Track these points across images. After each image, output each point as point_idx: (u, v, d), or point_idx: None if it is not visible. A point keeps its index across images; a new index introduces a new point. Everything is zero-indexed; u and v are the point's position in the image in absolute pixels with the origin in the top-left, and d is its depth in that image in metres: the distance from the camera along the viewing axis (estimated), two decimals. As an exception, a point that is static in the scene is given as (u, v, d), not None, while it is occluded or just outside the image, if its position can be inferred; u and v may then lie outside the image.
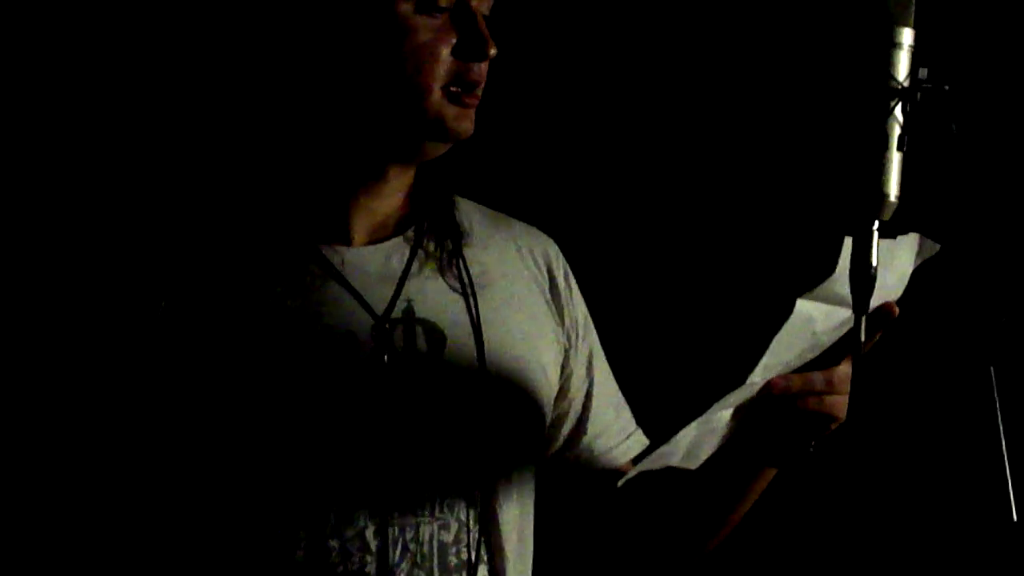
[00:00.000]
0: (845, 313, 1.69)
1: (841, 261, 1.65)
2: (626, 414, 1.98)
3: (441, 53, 1.71)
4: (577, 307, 1.93)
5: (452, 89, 1.73)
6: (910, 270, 1.75)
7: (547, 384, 1.86)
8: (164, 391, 1.71)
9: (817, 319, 1.70)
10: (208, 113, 2.31)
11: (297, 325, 1.73)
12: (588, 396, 1.93)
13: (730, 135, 2.76)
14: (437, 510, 1.75)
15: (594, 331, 1.96)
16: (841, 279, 1.65)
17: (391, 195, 1.81)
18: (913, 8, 1.59)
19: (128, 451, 1.72)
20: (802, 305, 1.68)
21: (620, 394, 1.98)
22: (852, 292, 1.60)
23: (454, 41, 1.72)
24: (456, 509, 1.76)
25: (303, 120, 1.77)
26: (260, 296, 1.73)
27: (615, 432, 1.95)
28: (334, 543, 1.70)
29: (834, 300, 1.67)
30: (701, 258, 2.76)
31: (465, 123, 1.74)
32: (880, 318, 1.70)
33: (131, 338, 1.72)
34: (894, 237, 1.68)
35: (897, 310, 1.72)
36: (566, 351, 1.91)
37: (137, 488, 1.72)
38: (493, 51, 1.73)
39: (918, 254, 1.74)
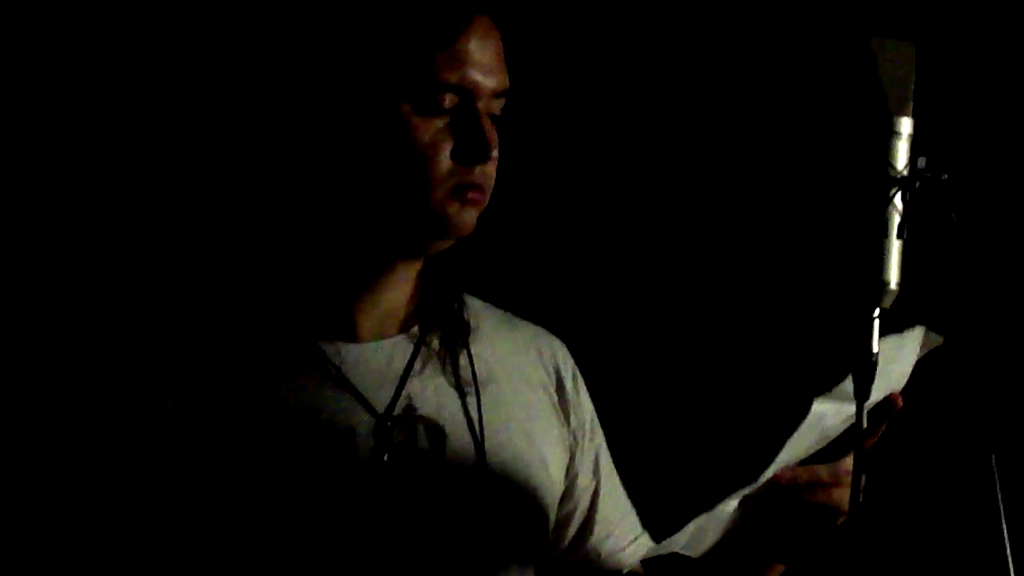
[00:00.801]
0: (852, 408, 1.69)
1: None
2: (632, 518, 1.97)
3: (441, 155, 1.70)
4: (584, 409, 1.92)
5: (455, 189, 1.71)
6: (913, 361, 1.75)
7: (550, 484, 1.85)
8: (165, 492, 1.70)
9: (828, 416, 1.70)
10: (216, 209, 2.32)
11: (298, 425, 1.72)
12: (594, 498, 1.93)
13: (732, 229, 2.76)
14: None
15: (601, 433, 1.95)
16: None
17: (397, 288, 1.80)
18: (912, 98, 1.60)
19: (128, 549, 1.71)
20: (818, 406, 1.68)
21: (626, 497, 1.97)
22: (854, 379, 1.60)
23: (455, 143, 1.71)
24: None
25: (309, 217, 1.77)
26: (262, 396, 1.73)
27: (621, 535, 1.95)
28: None
29: (845, 398, 1.67)
30: (709, 360, 2.76)
31: (466, 219, 1.72)
32: (884, 410, 1.71)
33: (135, 437, 1.71)
34: (901, 331, 1.68)
35: (901, 401, 1.72)
36: (572, 452, 1.90)
37: None
38: (494, 154, 1.71)
39: (923, 346, 1.74)
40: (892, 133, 1.59)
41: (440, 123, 1.70)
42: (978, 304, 1.70)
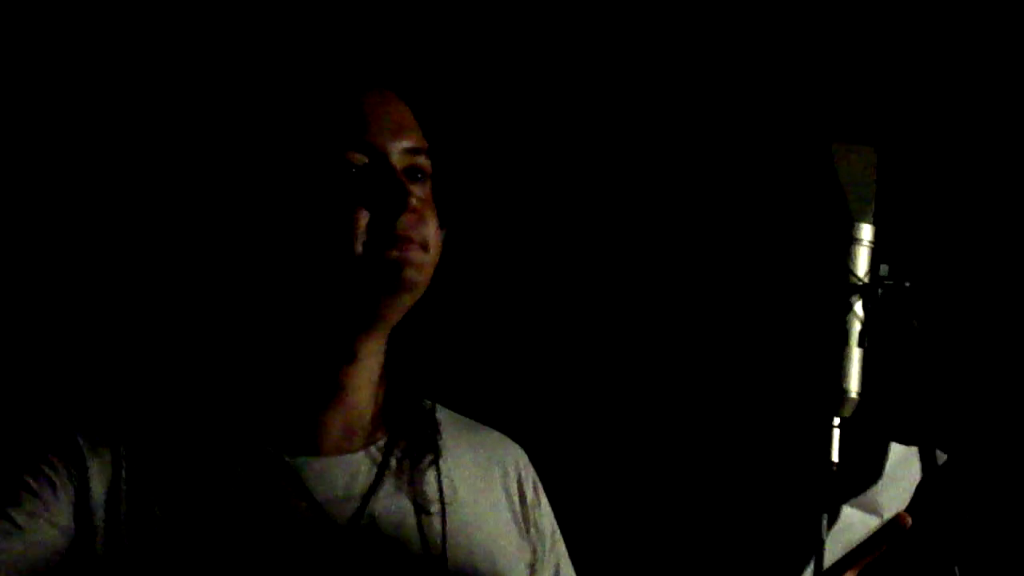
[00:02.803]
0: (873, 522, 1.69)
1: (888, 468, 1.66)
2: None
3: (358, 211, 1.70)
4: (544, 519, 1.90)
5: (382, 240, 1.70)
6: (917, 481, 1.74)
7: None
8: None
9: (856, 527, 1.70)
10: (182, 319, 2.31)
11: (258, 541, 1.69)
12: None
13: (693, 338, 2.76)
14: None
15: (562, 542, 1.92)
16: (883, 486, 1.66)
17: (361, 388, 1.77)
18: (873, 205, 1.59)
19: None
20: (847, 511, 1.68)
21: None
22: (811, 488, 1.59)
23: (369, 197, 1.71)
24: None
25: (262, 317, 1.75)
26: (224, 509, 1.70)
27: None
28: None
29: (870, 508, 1.68)
30: (666, 466, 2.75)
31: (408, 270, 1.71)
32: (893, 529, 1.71)
33: (102, 544, 1.68)
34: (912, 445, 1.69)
35: (910, 520, 1.72)
36: (532, 565, 1.87)
37: None
38: (412, 201, 1.71)
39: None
40: (853, 239, 1.58)
41: (351, 184, 1.71)
42: (940, 414, 1.68)
